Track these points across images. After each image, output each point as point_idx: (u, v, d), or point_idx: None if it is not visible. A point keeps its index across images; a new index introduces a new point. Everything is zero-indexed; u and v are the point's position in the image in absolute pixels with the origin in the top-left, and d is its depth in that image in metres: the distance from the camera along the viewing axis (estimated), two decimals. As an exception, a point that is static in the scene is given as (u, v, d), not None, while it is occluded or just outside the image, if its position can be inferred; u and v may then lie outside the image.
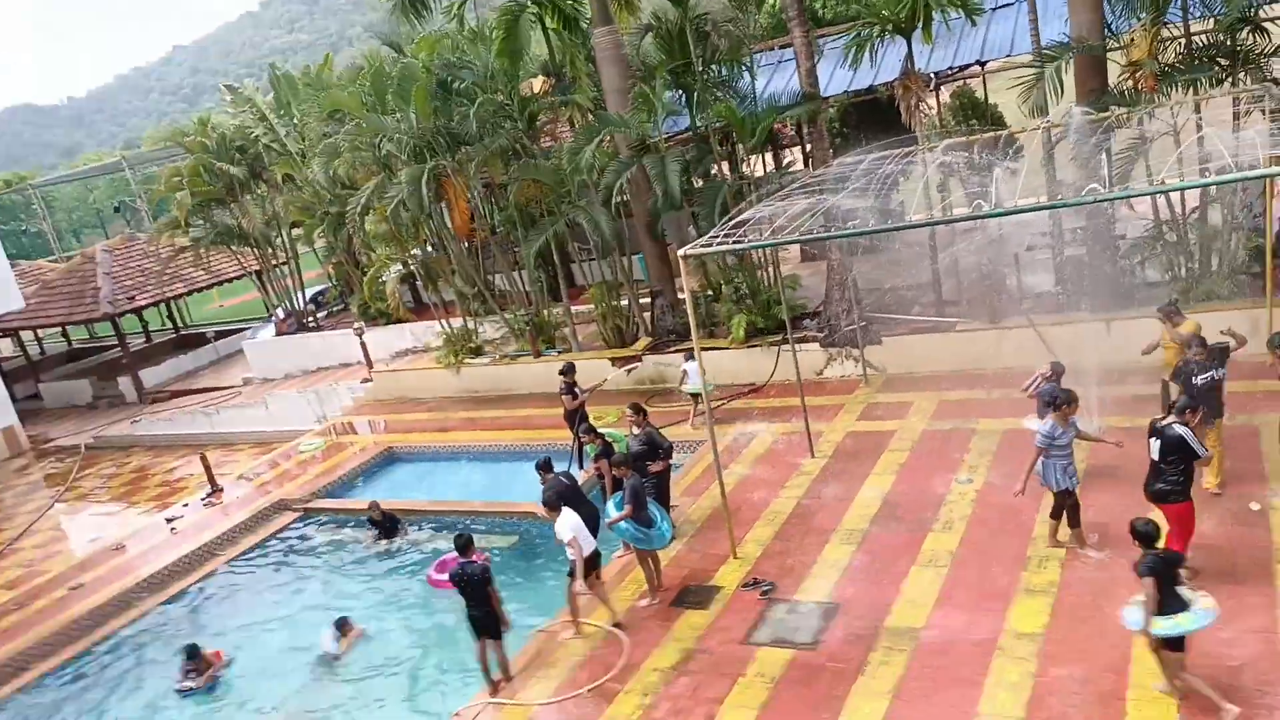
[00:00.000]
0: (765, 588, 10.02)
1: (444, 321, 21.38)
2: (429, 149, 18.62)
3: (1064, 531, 9.53)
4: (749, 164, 18.78)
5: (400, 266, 23.43)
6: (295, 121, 24.91)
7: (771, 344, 16.08)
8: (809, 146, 19.85)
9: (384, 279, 23.23)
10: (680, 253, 10.18)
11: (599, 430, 12.26)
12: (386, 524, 14.40)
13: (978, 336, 14.55)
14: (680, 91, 17.56)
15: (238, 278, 31.28)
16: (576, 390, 14.21)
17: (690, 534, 11.60)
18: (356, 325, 22.11)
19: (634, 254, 20.31)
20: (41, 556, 17.20)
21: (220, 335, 32.44)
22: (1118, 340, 12.92)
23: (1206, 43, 13.59)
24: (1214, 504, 9.62)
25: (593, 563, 10.01)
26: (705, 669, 8.94)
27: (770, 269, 17.33)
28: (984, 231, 14.58)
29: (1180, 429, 8.14)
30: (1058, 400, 9.18)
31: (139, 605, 13.83)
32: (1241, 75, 13.08)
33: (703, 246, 10.26)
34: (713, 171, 17.80)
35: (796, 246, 20.99)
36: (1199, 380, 9.43)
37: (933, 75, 19.24)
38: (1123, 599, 8.42)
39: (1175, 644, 7.11)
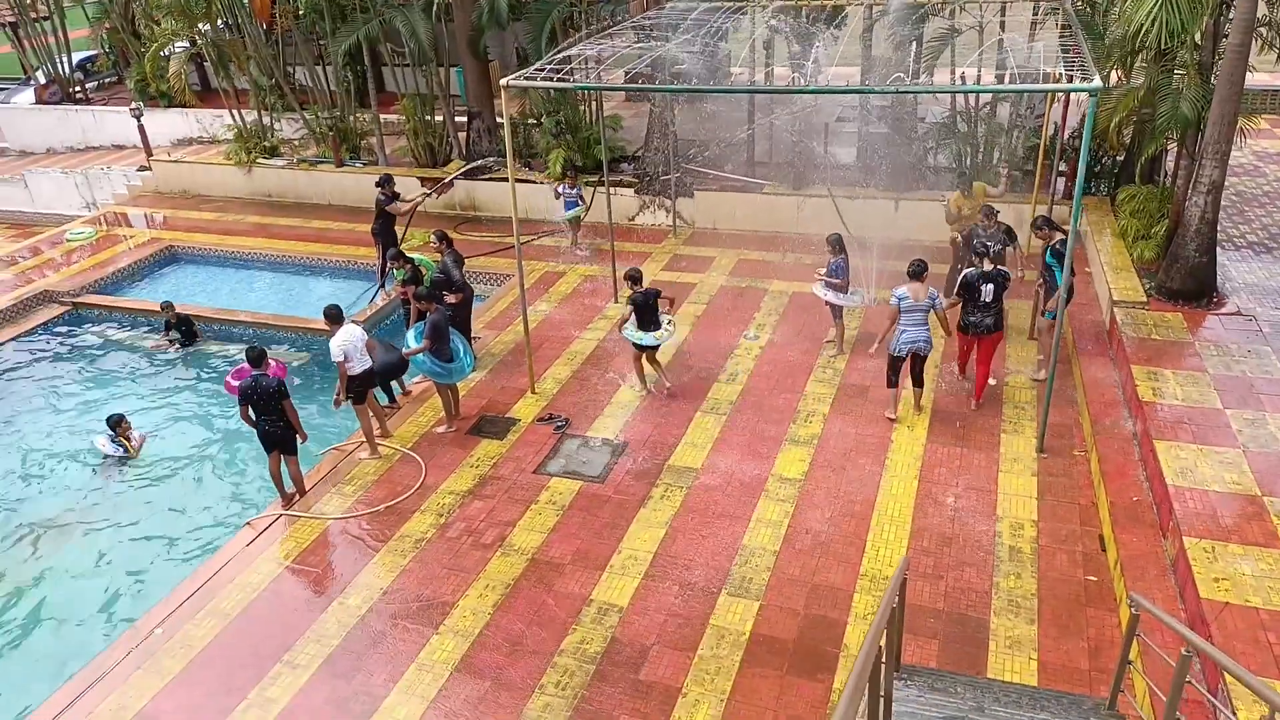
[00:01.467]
0: (559, 423, 10.58)
1: (235, 112, 19.66)
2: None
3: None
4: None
5: (188, 44, 21.06)
6: None
7: (587, 184, 16.11)
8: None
9: (167, 54, 20.84)
10: (502, 83, 9.86)
11: (409, 256, 12.07)
12: (183, 328, 13.65)
13: (781, 201, 15.26)
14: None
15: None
16: (399, 202, 13.80)
17: (491, 366, 11.90)
18: (134, 105, 19.87)
19: (453, 66, 19.34)
20: None
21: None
22: (903, 218, 14.06)
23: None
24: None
25: (369, 382, 10.17)
26: (499, 494, 9.46)
27: (593, 104, 17.12)
28: (799, 98, 15.08)
29: (1004, 269, 9.74)
30: (921, 270, 9.68)
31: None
32: (1047, -18, 13.93)
33: (525, 80, 9.99)
34: (543, -9, 17.01)
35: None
36: (993, 250, 10.53)
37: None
38: (870, 453, 9.69)
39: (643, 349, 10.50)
